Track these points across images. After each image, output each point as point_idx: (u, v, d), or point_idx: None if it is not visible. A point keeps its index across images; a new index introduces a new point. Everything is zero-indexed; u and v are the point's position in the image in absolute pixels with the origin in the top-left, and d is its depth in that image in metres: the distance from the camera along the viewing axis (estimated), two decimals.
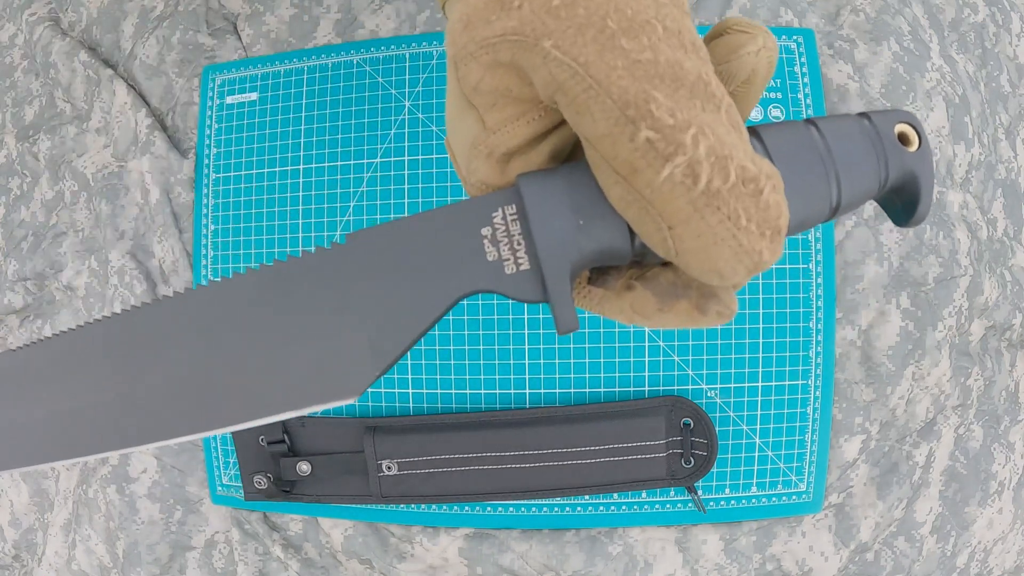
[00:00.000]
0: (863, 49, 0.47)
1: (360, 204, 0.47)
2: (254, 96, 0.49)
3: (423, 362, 0.46)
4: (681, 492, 0.45)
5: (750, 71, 0.21)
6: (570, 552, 0.45)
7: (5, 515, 0.54)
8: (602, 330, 0.45)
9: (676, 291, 0.20)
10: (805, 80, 0.46)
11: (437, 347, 0.46)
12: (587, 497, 0.45)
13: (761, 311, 0.45)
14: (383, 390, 0.46)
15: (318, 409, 0.21)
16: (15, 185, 0.54)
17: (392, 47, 0.48)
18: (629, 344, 0.45)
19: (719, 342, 0.45)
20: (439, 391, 0.46)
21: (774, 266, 0.45)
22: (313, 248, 0.22)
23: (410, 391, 0.46)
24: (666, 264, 0.21)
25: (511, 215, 0.20)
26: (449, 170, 0.46)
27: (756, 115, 0.46)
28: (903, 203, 0.23)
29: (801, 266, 0.45)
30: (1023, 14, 0.52)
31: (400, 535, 0.46)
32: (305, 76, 0.49)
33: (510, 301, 0.44)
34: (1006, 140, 0.50)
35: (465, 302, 0.46)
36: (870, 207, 0.46)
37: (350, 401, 0.21)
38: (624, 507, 0.45)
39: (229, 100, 0.49)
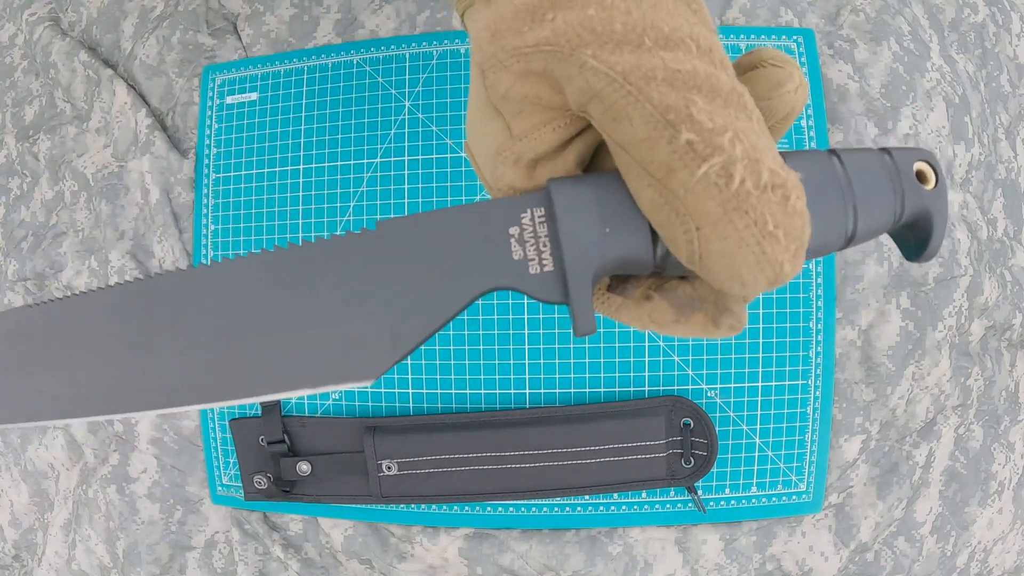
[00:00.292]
0: (863, 49, 0.47)
1: (360, 204, 0.47)
2: (254, 96, 0.49)
3: (423, 362, 0.46)
4: (681, 492, 0.45)
5: (789, 109, 0.22)
6: (570, 552, 0.45)
7: (5, 515, 0.54)
8: (602, 330, 0.45)
9: (693, 304, 0.21)
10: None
11: (437, 347, 0.46)
12: (587, 497, 0.45)
13: (761, 311, 0.45)
14: (383, 390, 0.46)
15: (333, 389, 0.22)
16: (15, 185, 0.54)
17: (392, 47, 0.48)
18: (629, 344, 0.45)
19: (719, 342, 0.45)
20: (439, 391, 0.46)
21: None
22: (343, 232, 0.22)
23: (410, 391, 0.46)
24: (683, 278, 0.22)
25: (539, 217, 0.21)
26: (449, 170, 0.46)
27: None
28: (915, 239, 0.24)
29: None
30: (1023, 14, 0.52)
31: (400, 535, 0.46)
32: (305, 76, 0.49)
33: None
34: (1006, 140, 0.50)
35: None
36: None
37: (365, 384, 0.21)
38: (624, 507, 0.45)
39: (229, 100, 0.49)
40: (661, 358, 0.45)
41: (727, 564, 0.45)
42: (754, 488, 0.44)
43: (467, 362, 0.45)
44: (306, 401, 0.47)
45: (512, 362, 0.45)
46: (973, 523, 0.47)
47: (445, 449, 0.44)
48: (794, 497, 0.45)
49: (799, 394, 0.44)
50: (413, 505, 0.46)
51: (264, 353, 0.22)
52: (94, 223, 0.52)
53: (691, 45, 0.19)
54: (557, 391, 0.45)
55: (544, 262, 0.21)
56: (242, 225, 0.48)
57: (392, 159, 0.47)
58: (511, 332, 0.45)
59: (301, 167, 0.48)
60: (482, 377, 0.45)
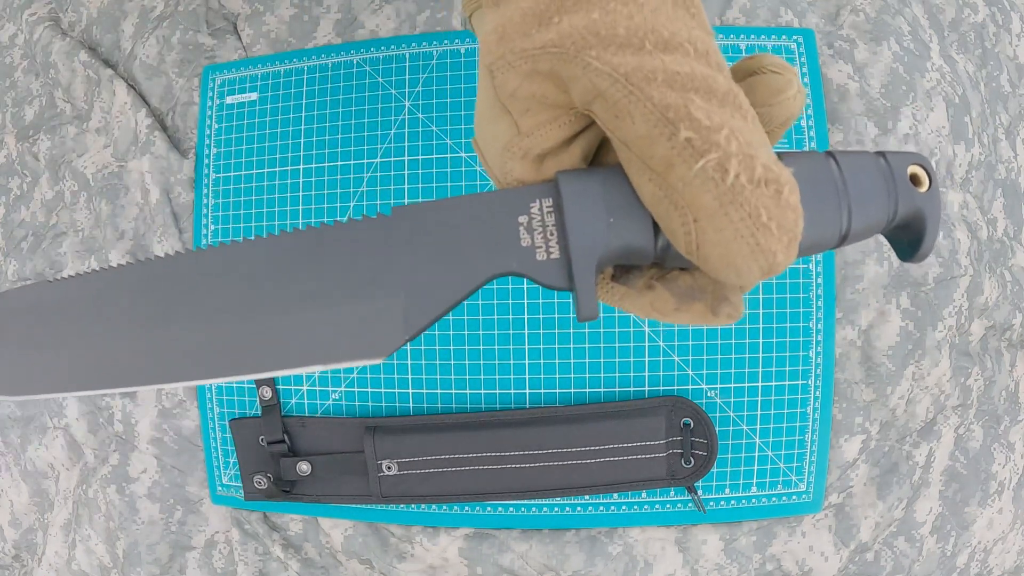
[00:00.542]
0: (863, 49, 0.47)
1: (360, 204, 0.47)
2: (254, 96, 0.49)
3: (423, 362, 0.46)
4: (681, 492, 0.45)
5: (788, 115, 0.23)
6: (570, 552, 0.45)
7: (5, 515, 0.54)
8: (602, 330, 0.45)
9: (693, 293, 0.22)
10: (805, 80, 0.46)
11: (437, 347, 0.46)
12: (587, 497, 0.45)
13: (761, 311, 0.45)
14: (383, 390, 0.46)
15: (345, 366, 0.22)
16: (15, 185, 0.54)
17: (392, 47, 0.48)
18: (629, 344, 0.45)
19: (719, 342, 0.45)
20: (439, 391, 0.46)
21: None
22: (360, 216, 0.23)
23: (410, 391, 0.46)
24: (683, 269, 0.23)
25: (547, 207, 0.22)
26: (449, 170, 0.46)
27: None
28: (908, 240, 0.24)
29: (801, 266, 0.45)
30: (1023, 14, 0.52)
31: (400, 535, 0.46)
32: (305, 76, 0.49)
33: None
34: (1006, 140, 0.50)
35: (467, 302, 0.46)
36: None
37: (376, 362, 0.22)
38: (624, 507, 0.45)
39: (229, 100, 0.49)
40: (661, 358, 0.45)
41: (727, 564, 0.45)
42: (754, 488, 0.44)
43: (467, 362, 0.45)
44: (306, 401, 0.47)
45: (512, 362, 0.45)
46: (973, 523, 0.47)
47: (445, 449, 0.44)
48: (794, 497, 0.45)
49: (799, 394, 0.44)
50: (413, 505, 0.46)
51: (279, 328, 0.22)
52: (94, 223, 0.52)
53: (689, 48, 0.20)
54: (557, 391, 0.45)
55: (551, 249, 0.22)
56: (242, 225, 0.48)
57: (392, 159, 0.47)
58: (511, 332, 0.45)
59: (301, 167, 0.48)
60: (482, 377, 0.45)
